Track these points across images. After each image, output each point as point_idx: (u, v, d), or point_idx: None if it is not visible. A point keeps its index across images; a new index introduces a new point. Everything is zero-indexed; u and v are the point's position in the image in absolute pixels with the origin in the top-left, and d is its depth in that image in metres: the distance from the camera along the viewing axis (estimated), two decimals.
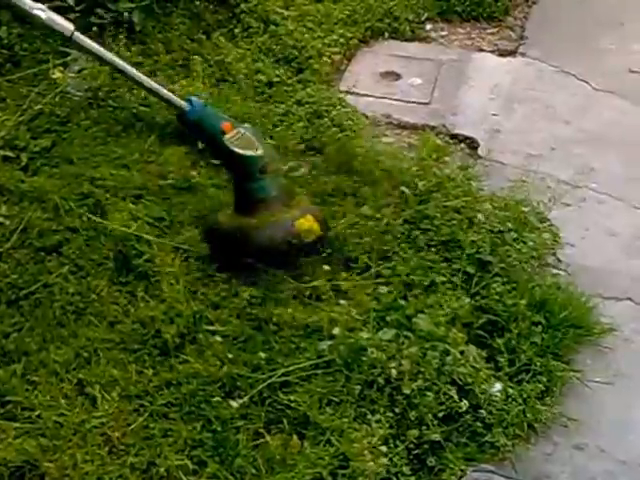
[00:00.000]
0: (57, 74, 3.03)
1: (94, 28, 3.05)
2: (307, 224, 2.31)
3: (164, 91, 2.39)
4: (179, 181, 2.60)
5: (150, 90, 2.38)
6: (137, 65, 3.04)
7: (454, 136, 3.11)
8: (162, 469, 1.92)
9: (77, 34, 2.29)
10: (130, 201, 2.55)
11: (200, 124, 2.29)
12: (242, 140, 2.25)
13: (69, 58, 3.14)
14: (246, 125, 2.34)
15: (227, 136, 2.23)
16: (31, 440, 1.96)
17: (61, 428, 2.00)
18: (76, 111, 2.95)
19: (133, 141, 2.82)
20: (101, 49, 2.39)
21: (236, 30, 3.34)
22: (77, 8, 3.07)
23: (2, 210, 2.52)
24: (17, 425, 2.00)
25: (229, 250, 2.30)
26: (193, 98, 2.31)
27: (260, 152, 2.28)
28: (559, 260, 2.57)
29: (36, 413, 2.02)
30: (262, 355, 2.05)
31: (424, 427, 1.96)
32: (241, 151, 2.25)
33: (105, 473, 1.92)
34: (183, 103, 2.29)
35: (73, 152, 2.78)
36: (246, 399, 1.96)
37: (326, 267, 2.36)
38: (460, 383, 1.99)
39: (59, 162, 2.76)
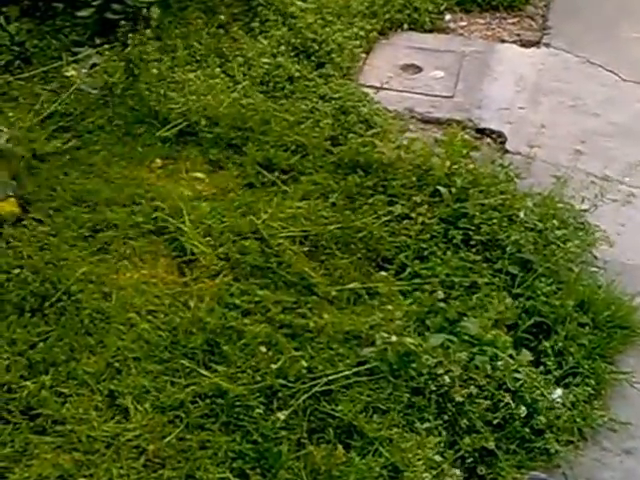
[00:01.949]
0: (71, 71, 2.95)
1: (122, 22, 2.97)
2: (8, 207, 2.32)
3: None
4: None
5: None
6: (155, 61, 2.99)
7: (480, 130, 3.05)
8: None
9: None
10: None
11: None
12: None
13: (82, 55, 3.07)
14: None
15: None
16: (65, 455, 1.91)
17: (94, 442, 1.94)
18: (92, 109, 2.88)
19: (154, 140, 2.76)
20: None
21: (253, 24, 3.27)
22: (93, 3, 3.00)
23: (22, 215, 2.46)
24: (49, 439, 1.94)
25: None
26: None
27: None
28: (596, 257, 2.52)
29: (68, 427, 1.96)
30: (304, 364, 1.99)
31: (474, 434, 1.91)
32: None
33: None
34: None
35: (92, 153, 2.71)
36: (290, 410, 1.90)
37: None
38: (513, 389, 1.94)
39: (76, 164, 2.69)
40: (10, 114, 2.80)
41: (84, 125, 2.83)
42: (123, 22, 2.95)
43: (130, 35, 2.91)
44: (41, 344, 2.13)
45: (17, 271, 2.28)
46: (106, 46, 3.03)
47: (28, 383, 2.03)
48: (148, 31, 3.00)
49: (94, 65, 3.02)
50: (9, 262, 2.31)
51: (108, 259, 2.36)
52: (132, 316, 2.21)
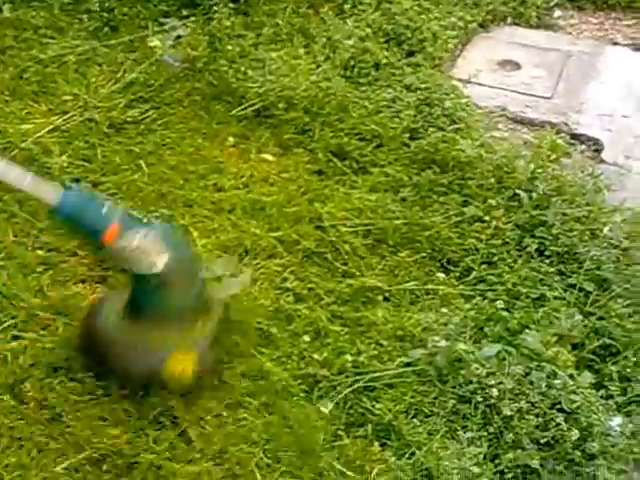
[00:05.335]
0: (155, 42, 3.19)
1: None
2: (180, 366, 1.96)
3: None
4: None
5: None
6: (239, 37, 3.18)
7: (576, 136, 3.05)
8: (233, 459, 2.00)
9: None
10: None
11: (74, 223, 1.82)
12: (137, 249, 1.80)
13: (168, 26, 3.30)
14: (154, 223, 1.92)
15: (111, 245, 1.79)
16: None
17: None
18: (172, 82, 3.10)
19: (229, 118, 2.94)
20: None
21: (345, 5, 3.40)
22: None
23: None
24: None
25: (96, 358, 2.05)
26: (74, 185, 1.85)
27: (158, 268, 1.84)
28: None
29: None
30: (349, 358, 2.10)
31: (519, 450, 1.95)
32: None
33: (174, 456, 2.02)
34: (54, 195, 1.78)
35: (168, 125, 2.92)
36: (333, 404, 2.01)
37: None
38: (568, 410, 1.96)
39: (150, 135, 2.91)
40: (92, 80, 3.06)
41: (163, 97, 3.04)
42: None
43: (216, 8, 3.11)
44: None
45: None
46: (192, 18, 3.26)
47: None
48: (235, 5, 3.19)
49: (179, 37, 3.25)
50: None
51: None
52: None
